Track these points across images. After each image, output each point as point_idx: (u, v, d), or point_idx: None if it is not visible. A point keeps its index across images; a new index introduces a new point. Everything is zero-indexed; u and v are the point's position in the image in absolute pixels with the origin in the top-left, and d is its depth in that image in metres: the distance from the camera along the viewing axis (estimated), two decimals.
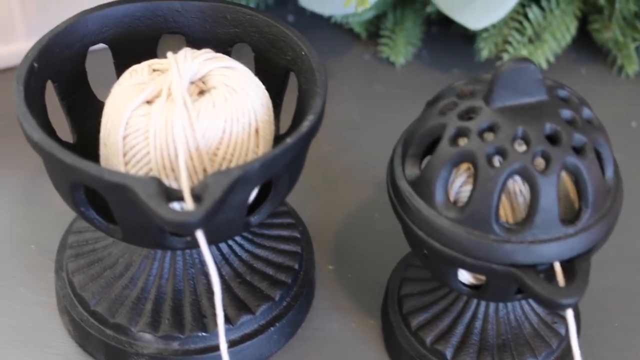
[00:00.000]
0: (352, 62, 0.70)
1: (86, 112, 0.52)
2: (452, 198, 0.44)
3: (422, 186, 0.44)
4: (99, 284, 0.51)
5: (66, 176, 0.44)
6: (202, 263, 0.50)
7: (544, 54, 0.67)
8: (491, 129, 0.43)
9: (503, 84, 0.43)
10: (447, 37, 0.72)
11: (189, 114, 0.44)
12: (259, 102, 0.47)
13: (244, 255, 0.52)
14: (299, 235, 0.54)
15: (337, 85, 0.68)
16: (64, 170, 0.43)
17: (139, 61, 0.50)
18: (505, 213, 0.43)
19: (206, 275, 0.50)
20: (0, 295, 0.54)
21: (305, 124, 0.45)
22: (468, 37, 0.70)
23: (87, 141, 0.51)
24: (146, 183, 0.41)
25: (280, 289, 0.51)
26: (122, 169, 0.45)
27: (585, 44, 0.71)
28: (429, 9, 0.70)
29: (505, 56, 0.66)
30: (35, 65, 0.48)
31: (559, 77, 0.54)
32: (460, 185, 0.45)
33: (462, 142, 0.43)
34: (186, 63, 0.47)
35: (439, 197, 0.43)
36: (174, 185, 0.44)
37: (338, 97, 0.66)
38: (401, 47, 0.69)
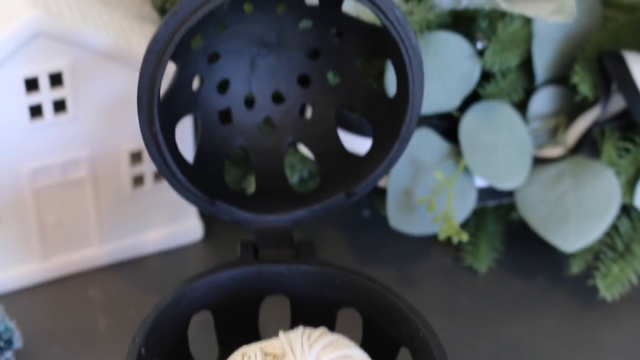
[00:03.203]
0: (432, 269, 0.68)
1: None
2: None
3: None
4: None
5: None
6: None
7: (634, 269, 0.65)
8: None
9: None
10: (531, 241, 0.70)
11: None
12: None
13: None
14: None
15: (420, 296, 0.65)
16: None
17: (241, 323, 0.49)
18: None
19: None
20: None
21: None
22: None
23: None
24: None
25: None
26: None
27: None
28: (513, 215, 0.68)
29: (597, 275, 0.64)
30: (143, 350, 0.45)
31: None
32: None
33: None
34: (304, 354, 0.45)
35: None
36: None
37: (422, 310, 0.64)
38: (484, 254, 0.67)
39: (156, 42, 0.46)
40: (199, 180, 0.51)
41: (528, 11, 0.54)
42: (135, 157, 0.63)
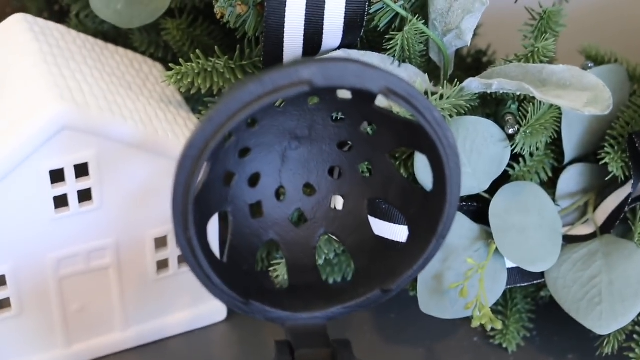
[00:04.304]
0: (461, 347, 0.67)
1: None
2: None
3: None
4: None
5: None
6: None
7: None
8: None
9: None
10: (560, 319, 0.69)
11: None
12: None
13: None
14: None
15: None
16: None
17: None
18: None
19: None
20: None
21: None
22: None
23: None
24: None
25: None
26: None
27: None
28: (543, 293, 0.67)
29: (631, 356, 0.63)
30: None
31: None
32: None
33: None
34: None
35: None
36: None
37: None
38: (513, 332, 0.66)
39: (192, 148, 0.46)
40: (232, 280, 0.50)
41: (562, 102, 0.53)
42: (160, 242, 0.62)
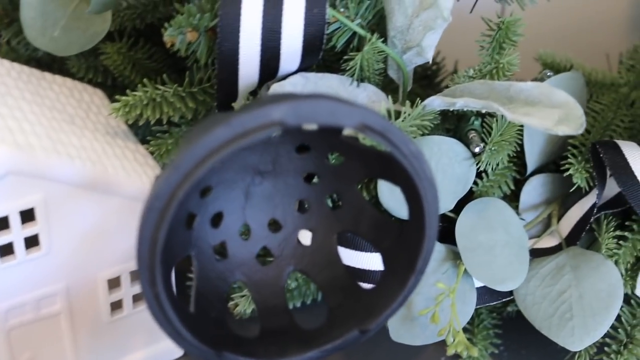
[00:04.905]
0: None
1: None
2: None
3: None
4: None
5: None
6: None
7: (638, 358, 0.63)
8: None
9: None
10: (528, 332, 0.67)
11: None
12: None
13: None
14: None
15: None
16: None
17: None
18: None
19: None
20: None
21: None
22: None
23: None
24: None
25: None
26: None
27: None
28: (510, 308, 0.65)
29: None
30: None
31: None
32: None
33: None
34: None
35: None
36: None
37: None
38: (482, 350, 0.64)
39: (157, 199, 0.42)
40: (202, 331, 0.47)
41: (532, 121, 0.52)
42: (113, 283, 0.59)
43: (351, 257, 0.54)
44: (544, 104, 0.53)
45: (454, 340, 0.57)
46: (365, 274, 0.54)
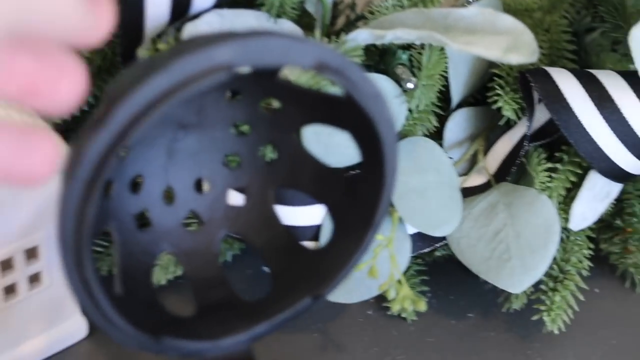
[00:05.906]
0: (357, 326, 0.60)
1: None
2: None
3: None
4: None
5: None
6: None
7: (573, 293, 0.60)
8: None
9: None
10: (453, 274, 0.63)
11: None
12: None
13: None
14: None
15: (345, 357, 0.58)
16: None
17: None
18: None
19: None
20: None
21: None
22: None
23: None
24: None
25: None
26: None
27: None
28: (438, 253, 0.61)
29: (542, 309, 0.59)
30: None
31: None
32: None
33: None
34: None
35: None
36: None
37: None
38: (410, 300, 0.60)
39: (82, 168, 0.35)
40: (135, 316, 0.40)
41: (478, 50, 0.47)
42: (5, 265, 0.51)
43: (291, 215, 0.48)
44: (487, 31, 0.48)
45: (396, 295, 0.53)
46: (306, 231, 0.48)
